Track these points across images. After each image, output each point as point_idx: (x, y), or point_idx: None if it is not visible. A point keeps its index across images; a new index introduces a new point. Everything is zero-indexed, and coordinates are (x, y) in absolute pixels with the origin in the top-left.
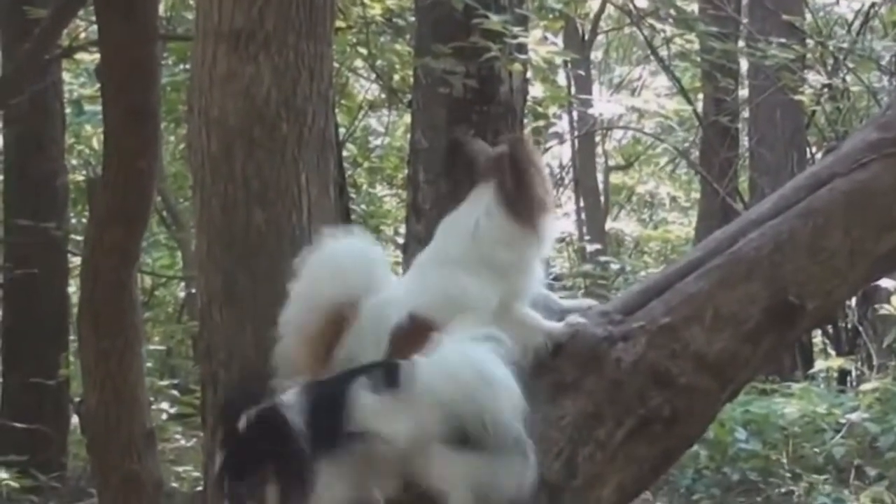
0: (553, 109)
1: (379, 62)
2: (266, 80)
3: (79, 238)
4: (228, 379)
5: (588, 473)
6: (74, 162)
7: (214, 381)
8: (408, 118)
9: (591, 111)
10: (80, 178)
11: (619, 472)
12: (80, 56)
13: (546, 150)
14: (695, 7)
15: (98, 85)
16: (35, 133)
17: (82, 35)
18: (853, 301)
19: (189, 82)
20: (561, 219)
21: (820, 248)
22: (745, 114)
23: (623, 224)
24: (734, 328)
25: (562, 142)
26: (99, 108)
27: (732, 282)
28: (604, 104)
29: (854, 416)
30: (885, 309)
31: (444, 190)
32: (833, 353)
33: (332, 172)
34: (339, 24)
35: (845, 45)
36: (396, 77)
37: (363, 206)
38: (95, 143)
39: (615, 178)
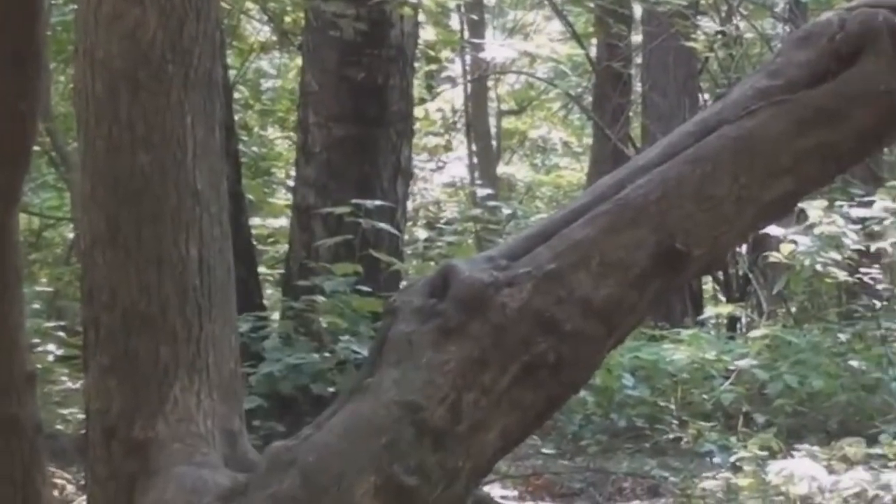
0: (445, 53)
1: (271, 4)
2: (152, 22)
3: None
4: (111, 321)
5: (473, 419)
6: None
7: (97, 323)
8: (299, 61)
9: (483, 55)
10: None
11: (504, 418)
12: None
13: (438, 94)
14: None
15: None
16: None
17: None
18: (743, 248)
19: (75, 23)
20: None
21: (707, 195)
22: (638, 60)
23: (515, 169)
24: (620, 274)
25: (454, 86)
26: None
27: (619, 228)
28: (497, 48)
29: (743, 363)
30: (775, 256)
31: (335, 133)
32: (723, 299)
33: (220, 114)
34: None
35: None
36: (288, 19)
37: (255, 149)
38: None
39: (508, 122)
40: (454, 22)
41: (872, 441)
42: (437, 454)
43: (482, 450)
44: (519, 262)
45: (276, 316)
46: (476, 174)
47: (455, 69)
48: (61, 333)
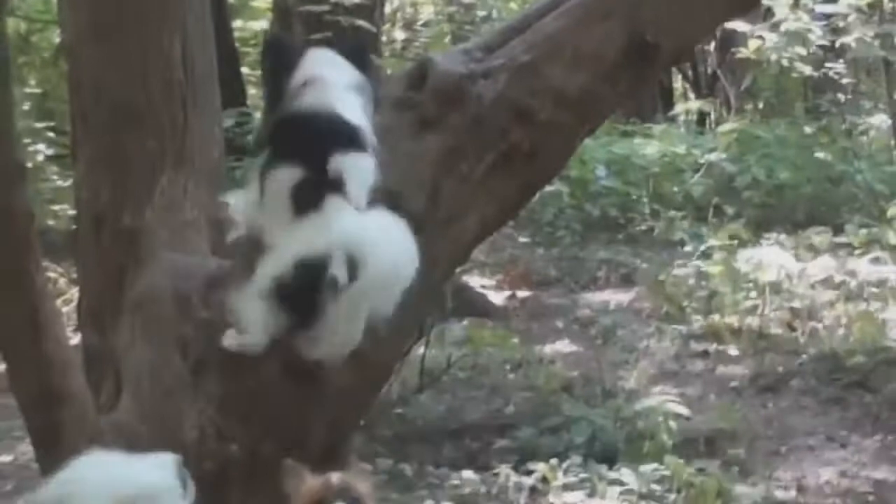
0: None
1: None
2: None
3: None
4: (98, 114)
5: (451, 206)
6: None
7: (84, 117)
8: None
9: None
10: None
11: (481, 206)
12: None
13: None
14: None
15: None
16: None
17: None
18: (712, 46)
19: None
20: None
21: None
22: None
23: None
24: (593, 66)
25: None
26: None
27: (591, 21)
28: None
29: (712, 157)
30: (742, 53)
31: None
32: (692, 96)
33: None
34: None
35: None
36: None
37: None
38: None
39: None
40: None
41: (838, 230)
42: (416, 241)
43: (460, 236)
44: (494, 54)
45: (258, 115)
46: None
47: None
48: (51, 134)
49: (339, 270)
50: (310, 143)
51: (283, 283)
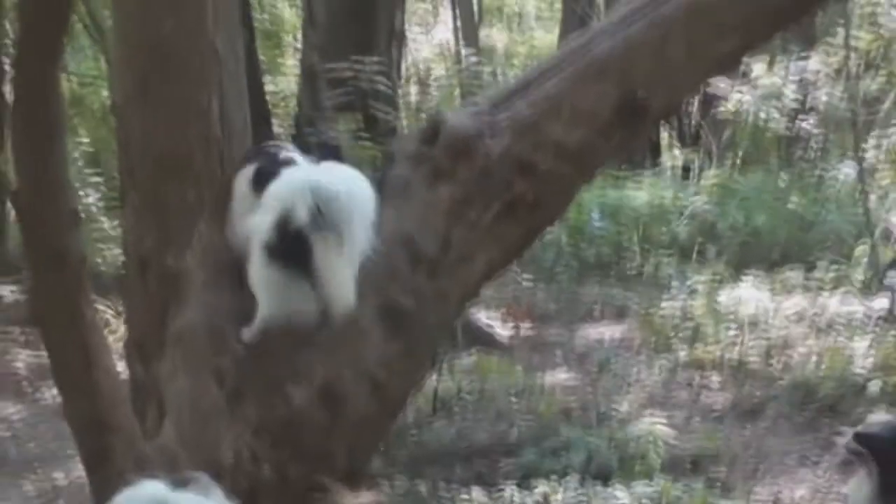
0: None
1: None
2: None
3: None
4: (144, 167)
5: (461, 249)
6: None
7: (131, 169)
8: None
9: None
10: None
11: (488, 249)
12: None
13: None
14: None
15: None
16: None
17: None
18: (696, 102)
19: None
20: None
21: (664, 53)
22: None
23: (495, 35)
24: (589, 123)
25: None
26: None
27: (587, 82)
28: None
29: (696, 203)
30: (723, 109)
31: (336, 2)
32: (678, 147)
33: None
34: None
35: None
36: None
37: (266, 19)
38: None
39: None
40: None
41: (810, 269)
42: (429, 281)
43: (469, 277)
44: (500, 112)
45: None
46: (460, 39)
47: None
48: (100, 181)
49: (308, 212)
50: (265, 153)
51: (270, 245)
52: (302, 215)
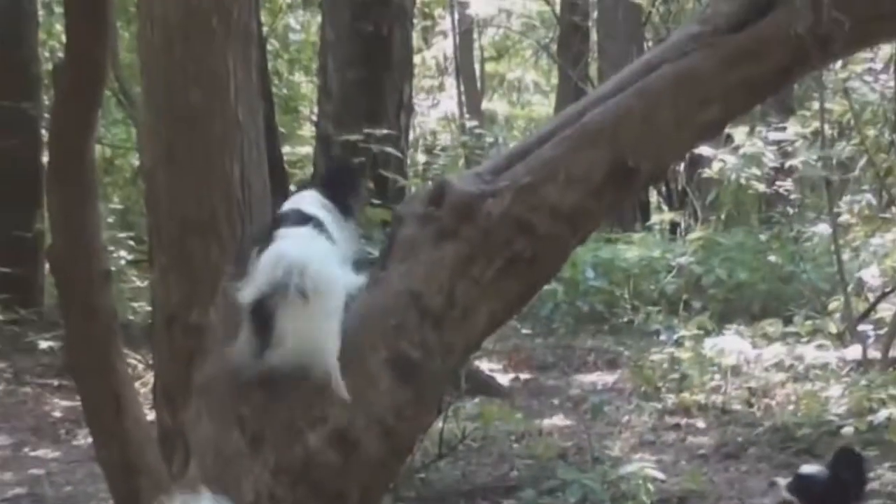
0: (438, 11)
1: None
2: None
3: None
4: (170, 228)
5: (465, 304)
6: (47, 54)
7: (159, 230)
8: (320, 18)
9: (469, 11)
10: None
11: (490, 303)
12: None
13: (432, 45)
14: None
15: None
16: (14, 31)
17: None
18: (681, 167)
19: None
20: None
21: (652, 121)
22: (595, 14)
23: (496, 104)
24: (582, 186)
25: (445, 38)
26: None
27: (581, 149)
28: (479, 5)
29: (682, 260)
30: (707, 173)
31: (349, 76)
32: (666, 208)
33: (256, 61)
34: None
35: None
36: None
37: (284, 90)
38: (63, 38)
39: (489, 66)
40: None
41: (788, 321)
42: (436, 333)
43: (473, 329)
44: (501, 176)
45: None
46: (464, 109)
47: (446, 24)
48: (131, 242)
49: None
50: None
51: (250, 310)
52: (271, 285)
